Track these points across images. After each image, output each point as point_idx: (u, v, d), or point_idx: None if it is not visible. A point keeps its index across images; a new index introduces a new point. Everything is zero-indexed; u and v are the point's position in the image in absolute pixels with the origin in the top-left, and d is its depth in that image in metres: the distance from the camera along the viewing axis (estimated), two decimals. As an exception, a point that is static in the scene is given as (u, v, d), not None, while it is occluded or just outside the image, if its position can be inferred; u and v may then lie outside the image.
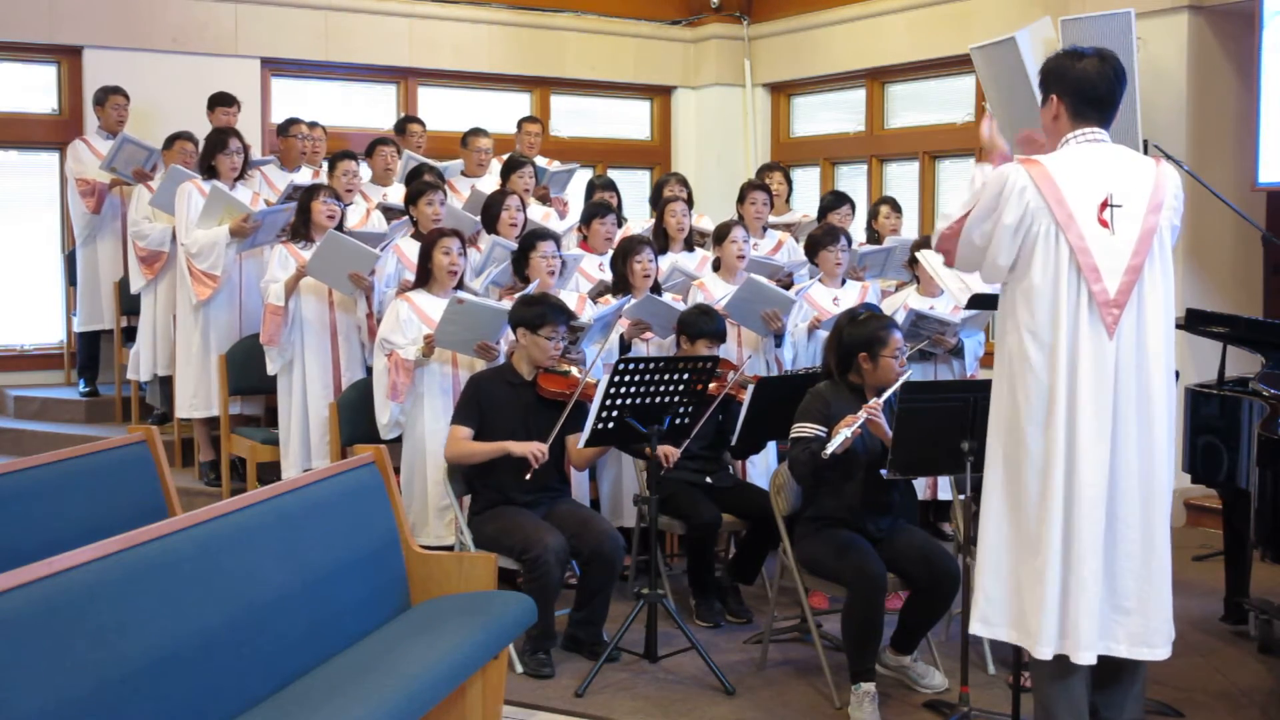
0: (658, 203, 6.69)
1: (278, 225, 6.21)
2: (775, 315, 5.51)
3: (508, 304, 5.12)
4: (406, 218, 6.15)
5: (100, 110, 7.34)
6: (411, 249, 5.86)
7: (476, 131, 7.62)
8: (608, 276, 5.90)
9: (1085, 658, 2.99)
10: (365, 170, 7.34)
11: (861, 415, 4.00)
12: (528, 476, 4.55)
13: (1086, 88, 3.07)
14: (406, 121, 8.12)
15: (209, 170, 6.39)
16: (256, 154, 7.54)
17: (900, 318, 5.35)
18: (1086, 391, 2.98)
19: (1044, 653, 3.02)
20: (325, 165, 7.00)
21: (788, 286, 5.94)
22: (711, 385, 4.68)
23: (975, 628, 3.19)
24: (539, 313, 4.68)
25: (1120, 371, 3.00)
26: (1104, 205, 3.02)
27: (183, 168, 6.57)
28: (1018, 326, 3.08)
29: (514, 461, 4.59)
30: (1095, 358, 2.98)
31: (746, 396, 4.81)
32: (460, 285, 5.35)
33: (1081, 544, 2.98)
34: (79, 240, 7.41)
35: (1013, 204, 3.02)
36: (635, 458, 5.17)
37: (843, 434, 3.94)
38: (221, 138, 6.44)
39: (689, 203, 6.69)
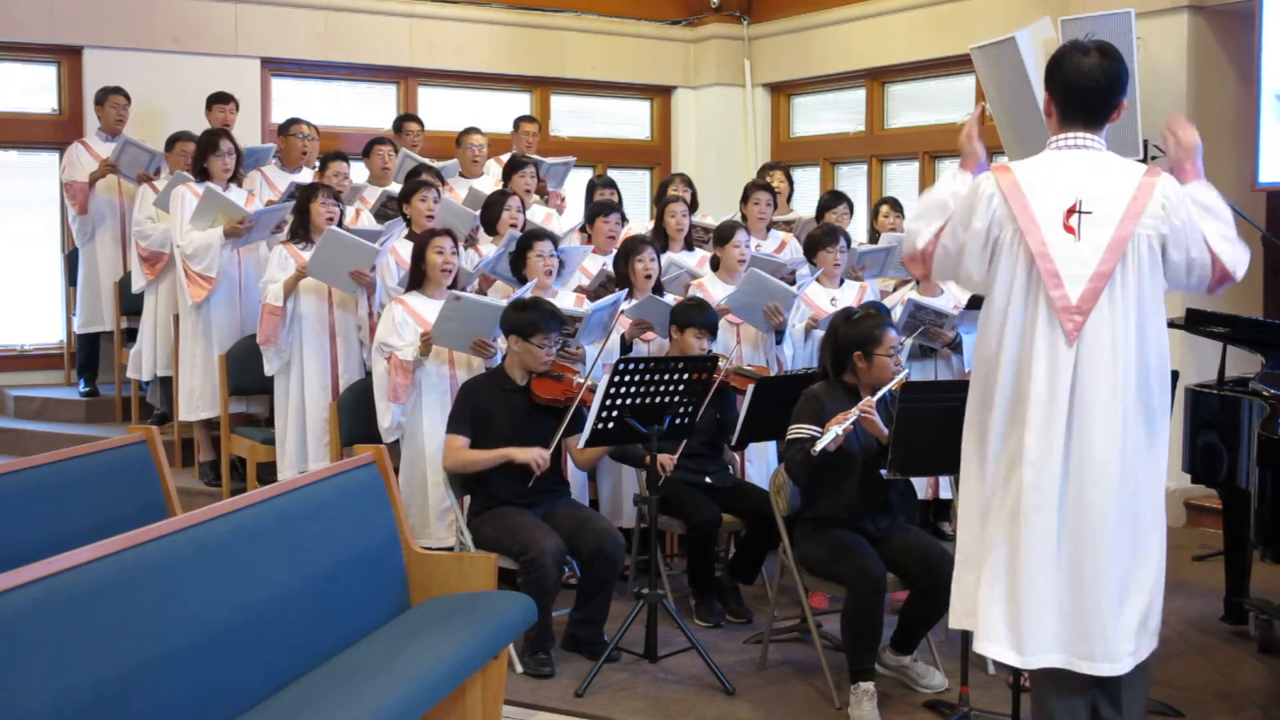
0: (660, 201, 6.69)
1: (272, 223, 6.22)
2: (777, 309, 5.51)
3: (505, 301, 5.11)
4: (400, 217, 6.15)
5: (100, 110, 7.34)
6: (405, 249, 5.85)
7: (470, 131, 7.63)
8: (609, 269, 5.90)
9: (1029, 662, 2.98)
10: (363, 170, 7.35)
11: (853, 413, 4.00)
12: (529, 484, 4.55)
13: (1073, 86, 3.03)
14: (403, 120, 8.12)
15: (202, 172, 6.39)
16: (256, 144, 7.54)
17: (899, 310, 5.36)
18: (1037, 399, 2.94)
19: (984, 649, 3.03)
20: (318, 166, 7.00)
21: (791, 284, 5.93)
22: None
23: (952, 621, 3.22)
24: (530, 320, 4.66)
25: (1080, 379, 2.95)
26: (1071, 211, 2.98)
27: (186, 173, 6.57)
28: (979, 331, 3.13)
29: (512, 465, 4.59)
30: (1050, 365, 2.95)
31: (748, 392, 4.81)
32: (454, 284, 5.34)
33: (1027, 552, 2.96)
34: (79, 242, 7.40)
35: (981, 210, 3.04)
36: (633, 467, 5.18)
37: (833, 431, 3.95)
38: (213, 140, 6.42)
39: (692, 204, 6.68)
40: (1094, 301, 2.95)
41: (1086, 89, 3.03)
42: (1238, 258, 3.05)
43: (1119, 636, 2.96)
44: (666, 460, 4.84)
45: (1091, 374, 2.95)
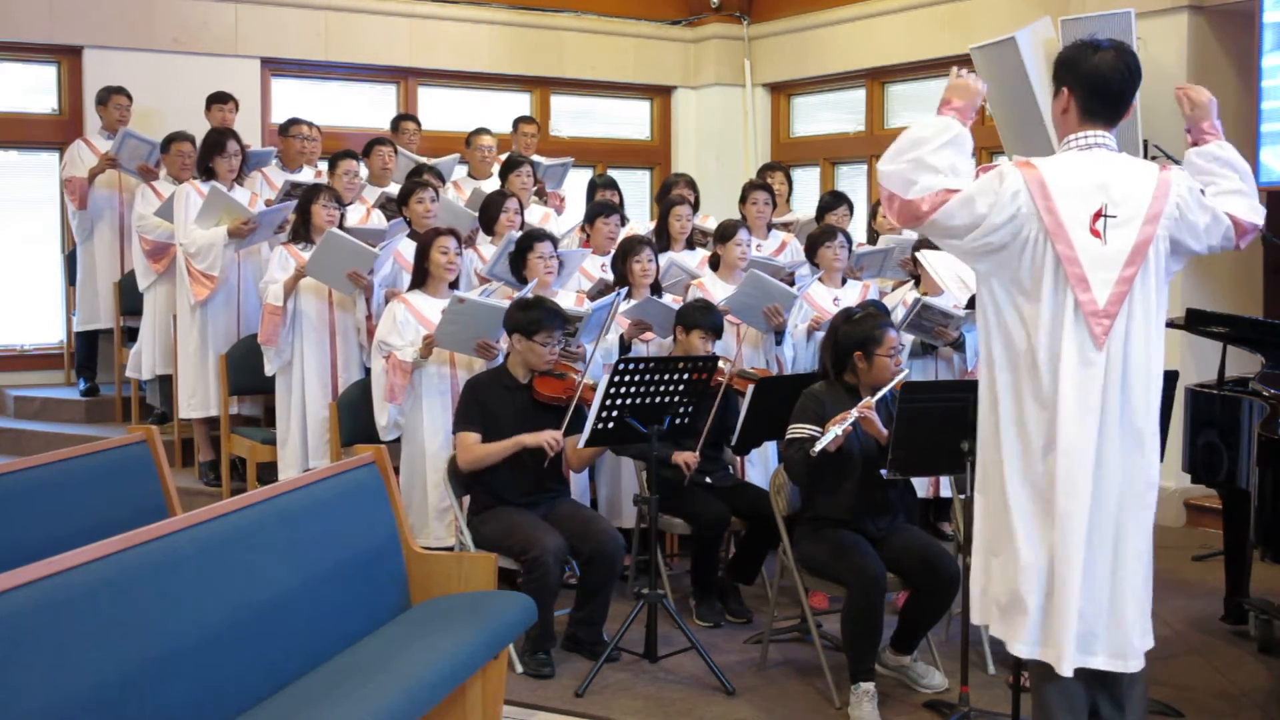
0: (663, 201, 6.68)
1: (274, 223, 6.22)
2: (777, 310, 5.51)
3: (508, 302, 5.11)
4: (401, 219, 6.16)
5: (102, 110, 7.35)
6: (407, 249, 5.85)
7: (480, 131, 7.62)
8: (609, 276, 5.91)
9: (1065, 668, 2.98)
10: (362, 170, 7.35)
11: (853, 414, 4.00)
12: (545, 464, 4.55)
13: (1099, 83, 3.02)
14: (400, 120, 8.11)
15: (207, 172, 6.39)
16: (256, 147, 7.54)
17: (901, 311, 5.36)
18: (1068, 400, 2.94)
19: (1021, 651, 3.03)
20: (325, 166, 6.99)
21: (790, 285, 5.93)
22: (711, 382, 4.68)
23: (973, 617, 3.20)
24: (534, 318, 4.66)
25: (1108, 382, 2.96)
26: (1097, 215, 2.98)
27: (186, 178, 6.55)
28: (999, 330, 3.07)
29: (512, 462, 4.59)
30: (1080, 367, 2.95)
31: (748, 394, 4.81)
32: (456, 284, 5.34)
33: (1062, 555, 2.96)
34: (78, 239, 7.41)
35: (1005, 206, 2.99)
36: (637, 459, 5.15)
37: (832, 432, 3.94)
38: (220, 140, 6.42)
39: (695, 205, 6.68)
40: (1120, 305, 2.97)
41: (1110, 84, 3.02)
42: (1255, 209, 3.20)
43: (1145, 632, 3.03)
44: (690, 458, 4.82)
45: (1116, 377, 2.96)
